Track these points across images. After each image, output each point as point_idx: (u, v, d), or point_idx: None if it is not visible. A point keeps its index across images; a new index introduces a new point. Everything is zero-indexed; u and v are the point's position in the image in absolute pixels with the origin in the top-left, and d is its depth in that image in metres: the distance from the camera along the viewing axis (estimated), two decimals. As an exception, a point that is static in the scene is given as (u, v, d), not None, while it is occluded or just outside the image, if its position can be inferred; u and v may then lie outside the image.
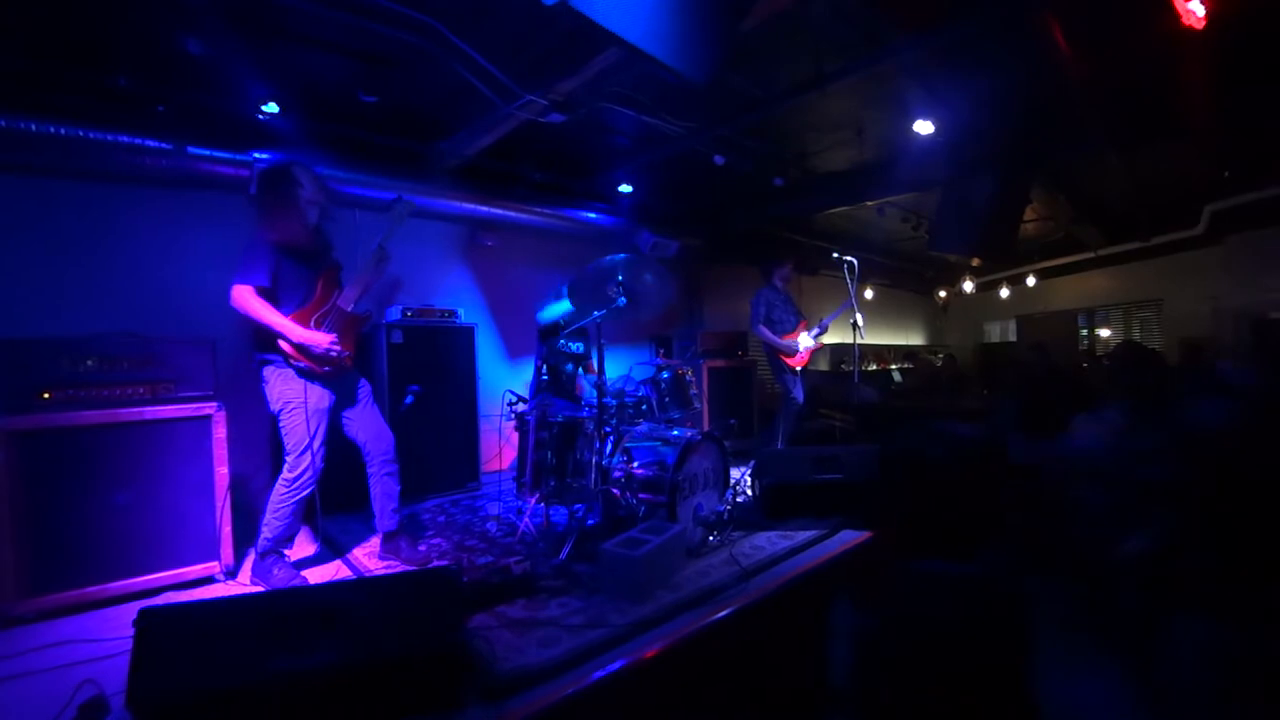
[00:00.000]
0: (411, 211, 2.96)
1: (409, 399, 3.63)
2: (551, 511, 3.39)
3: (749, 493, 3.78)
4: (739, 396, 5.91)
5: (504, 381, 5.01)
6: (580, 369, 4.13)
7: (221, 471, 2.71)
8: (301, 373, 2.65)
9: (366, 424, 2.90)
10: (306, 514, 2.78)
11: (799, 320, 5.09)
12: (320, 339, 2.62)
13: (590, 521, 3.05)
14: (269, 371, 2.67)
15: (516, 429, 3.75)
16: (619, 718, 1.96)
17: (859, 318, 4.73)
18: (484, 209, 4.87)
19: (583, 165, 5.32)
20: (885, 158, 5.21)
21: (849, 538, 3.19)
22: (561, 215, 5.40)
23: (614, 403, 3.45)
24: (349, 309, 2.77)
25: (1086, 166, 5.80)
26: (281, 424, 2.67)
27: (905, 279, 10.48)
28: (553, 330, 4.03)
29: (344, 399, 2.84)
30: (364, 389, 2.94)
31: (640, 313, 3.33)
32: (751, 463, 3.83)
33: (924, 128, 4.31)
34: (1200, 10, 2.91)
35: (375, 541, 3.12)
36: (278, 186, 2.65)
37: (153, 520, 2.56)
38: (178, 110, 3.53)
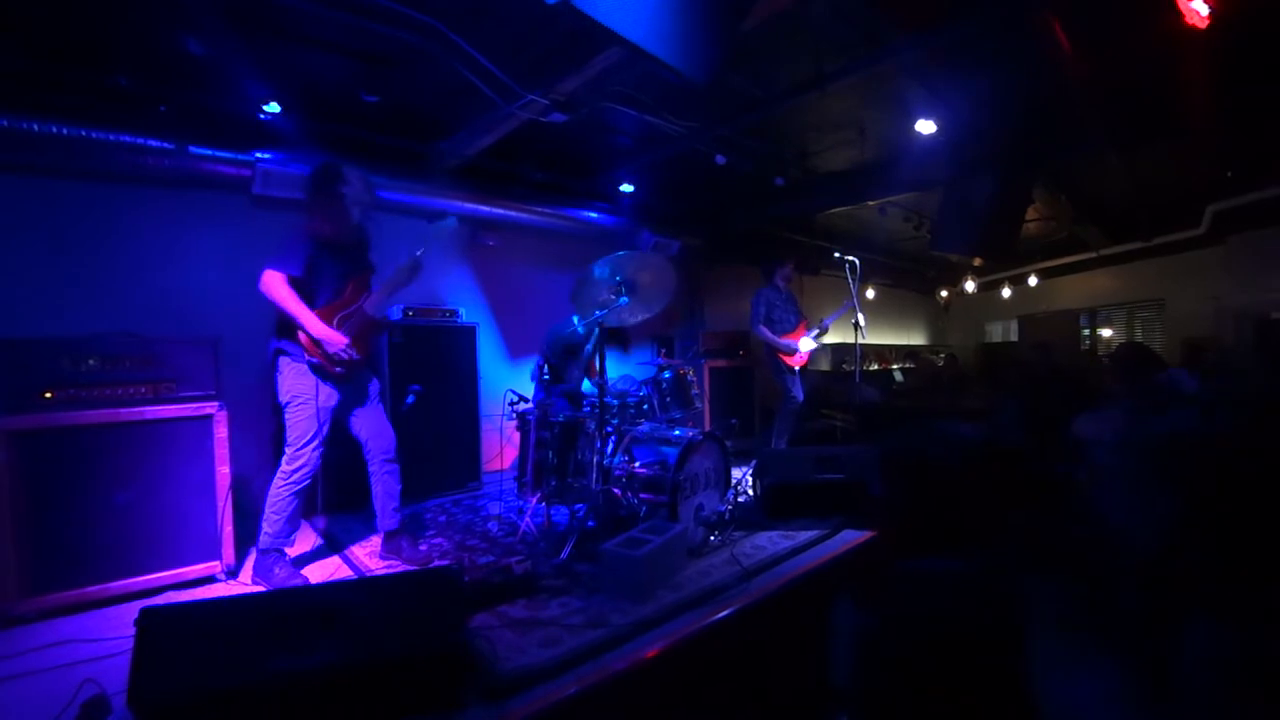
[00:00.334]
0: (453, 230, 2.99)
1: (410, 399, 3.63)
2: (553, 511, 3.39)
3: (750, 492, 3.78)
4: (740, 396, 5.91)
5: (505, 381, 5.01)
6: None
7: (223, 471, 2.71)
8: (314, 369, 2.68)
9: (369, 421, 2.92)
10: (307, 512, 2.78)
11: (800, 320, 5.09)
12: (337, 339, 2.65)
13: (591, 521, 3.05)
14: (284, 362, 2.71)
15: (518, 428, 3.75)
16: (620, 718, 1.96)
17: (860, 317, 4.73)
18: (485, 209, 4.87)
19: (584, 165, 5.32)
20: (886, 157, 5.20)
21: (850, 537, 3.19)
22: (562, 215, 5.40)
23: (615, 403, 3.45)
24: (373, 314, 2.82)
25: (1088, 166, 5.79)
26: (286, 416, 2.70)
27: (907, 279, 10.47)
28: (566, 352, 3.98)
29: (353, 397, 2.87)
30: (374, 387, 2.97)
31: (646, 308, 3.30)
32: (753, 462, 3.83)
33: (925, 127, 4.31)
34: (1204, 10, 2.90)
35: (376, 541, 3.12)
36: (326, 182, 2.73)
37: (154, 520, 2.56)
38: (179, 110, 3.54)
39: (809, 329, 5.04)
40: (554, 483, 3.32)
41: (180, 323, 3.50)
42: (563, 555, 2.80)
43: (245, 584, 2.70)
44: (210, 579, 2.68)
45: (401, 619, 1.80)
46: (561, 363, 3.95)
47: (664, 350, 6.31)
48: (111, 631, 2.22)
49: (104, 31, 3.04)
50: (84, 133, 3.19)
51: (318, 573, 2.87)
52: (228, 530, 2.71)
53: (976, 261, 8.70)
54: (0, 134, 2.99)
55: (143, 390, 2.60)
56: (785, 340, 4.92)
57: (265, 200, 3.96)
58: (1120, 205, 7.31)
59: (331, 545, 3.24)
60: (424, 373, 4.06)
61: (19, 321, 3.11)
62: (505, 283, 5.51)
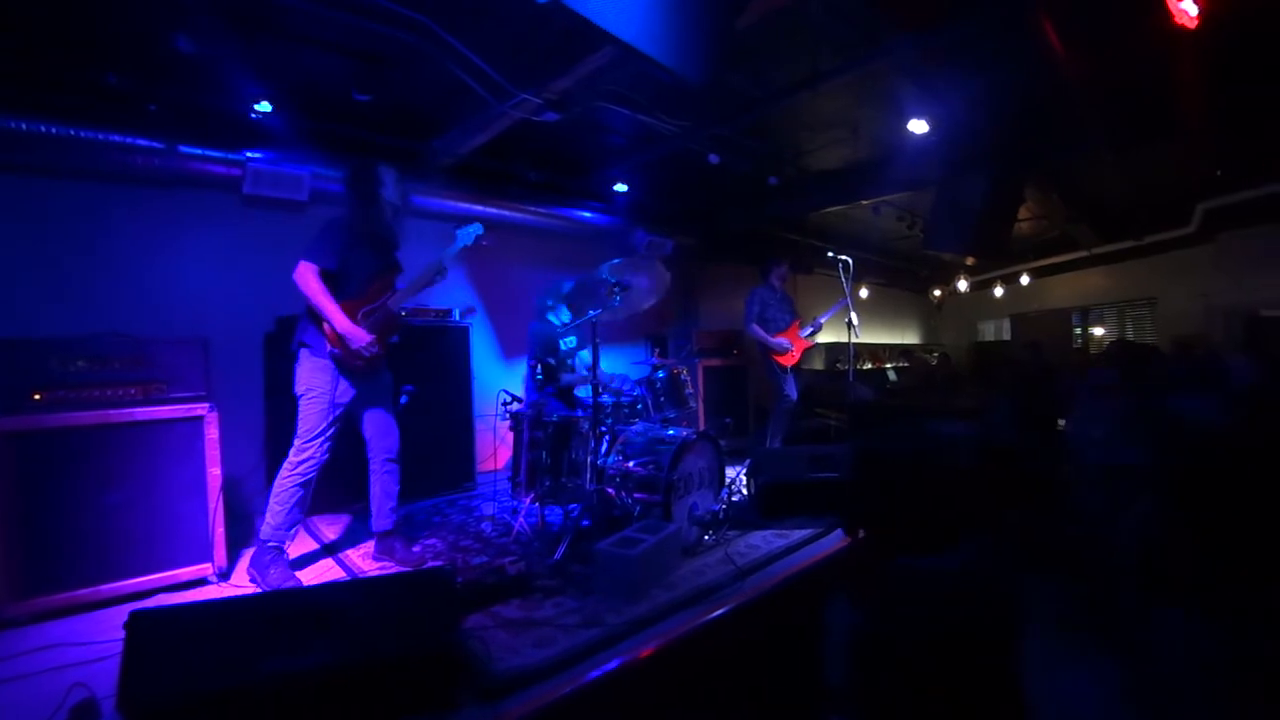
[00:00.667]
0: (479, 236, 3.02)
1: (403, 399, 3.61)
2: (546, 511, 3.38)
3: (744, 491, 3.79)
4: (734, 395, 5.92)
5: (499, 381, 4.99)
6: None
7: (214, 473, 2.69)
8: (335, 360, 2.71)
9: (377, 420, 2.95)
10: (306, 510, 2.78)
11: (793, 319, 5.10)
12: (361, 335, 2.68)
13: (585, 521, 3.04)
14: (304, 354, 2.74)
15: (511, 429, 3.73)
16: (615, 717, 1.95)
17: (854, 316, 4.74)
18: (479, 208, 4.85)
19: (578, 164, 5.31)
20: (880, 157, 5.22)
21: (844, 536, 3.19)
22: (556, 214, 5.39)
23: (609, 401, 3.44)
24: (397, 311, 2.87)
25: (1080, 166, 5.83)
26: (300, 408, 2.72)
27: (900, 278, 10.51)
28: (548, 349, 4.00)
29: (368, 393, 2.89)
30: (388, 387, 3.00)
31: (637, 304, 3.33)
32: (747, 461, 3.83)
33: (918, 127, 4.32)
34: (1193, 10, 2.92)
35: (370, 542, 3.10)
36: (362, 180, 2.82)
37: (145, 522, 2.54)
38: (169, 109, 3.51)
39: (802, 328, 5.05)
40: (548, 483, 3.31)
41: (170, 323, 3.48)
42: (557, 555, 2.80)
43: (237, 586, 2.68)
44: (202, 581, 2.66)
45: (396, 620, 1.79)
46: (552, 360, 3.95)
47: (658, 349, 6.31)
48: (101, 635, 2.20)
49: (93, 30, 3.01)
50: (72, 132, 3.17)
51: (310, 574, 2.85)
52: (219, 532, 2.69)
53: (969, 260, 8.75)
54: (-12, 133, 2.96)
55: (133, 391, 2.57)
56: (776, 339, 4.93)
57: (256, 200, 3.94)
58: (1112, 204, 7.36)
59: (324, 547, 3.23)
60: (417, 373, 4.03)
61: (7, 321, 3.08)
62: (499, 282, 5.49)
